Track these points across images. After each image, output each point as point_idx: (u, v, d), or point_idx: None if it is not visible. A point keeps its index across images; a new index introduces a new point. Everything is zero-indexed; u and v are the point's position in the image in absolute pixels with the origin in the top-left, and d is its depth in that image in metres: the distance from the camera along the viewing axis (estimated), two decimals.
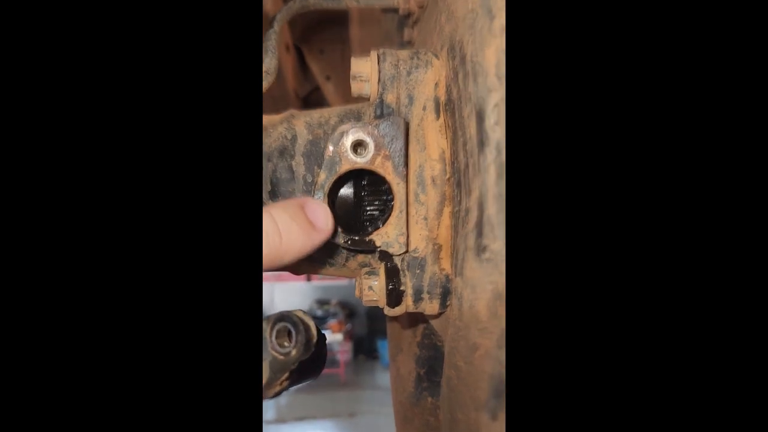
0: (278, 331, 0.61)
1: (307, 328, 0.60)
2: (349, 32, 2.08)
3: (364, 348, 7.55)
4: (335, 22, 2.36)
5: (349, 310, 7.66)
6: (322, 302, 7.85)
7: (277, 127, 0.85)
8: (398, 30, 1.25)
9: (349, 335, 7.44)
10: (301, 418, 5.71)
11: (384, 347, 7.01)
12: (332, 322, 7.42)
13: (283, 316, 0.61)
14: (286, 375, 0.61)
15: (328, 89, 2.51)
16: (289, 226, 0.62)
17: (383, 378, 6.81)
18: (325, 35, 2.50)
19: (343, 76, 2.45)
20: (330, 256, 0.86)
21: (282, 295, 7.43)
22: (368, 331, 7.46)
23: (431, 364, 1.22)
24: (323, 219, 0.67)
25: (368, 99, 0.83)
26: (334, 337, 7.23)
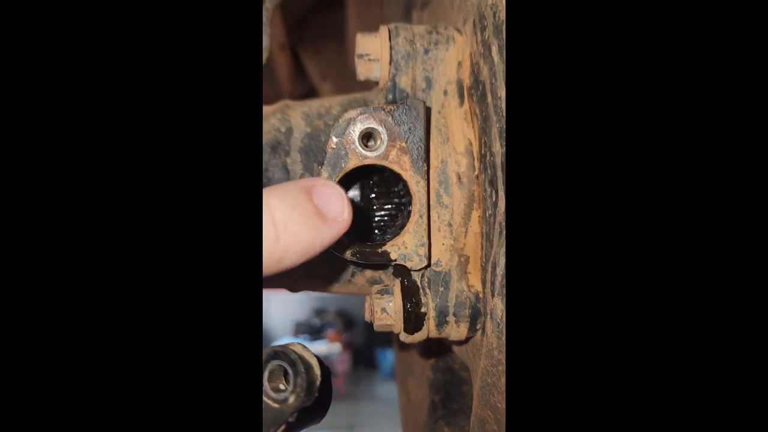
0: (272, 372, 0.48)
1: (308, 368, 0.46)
2: (347, 24, 1.95)
3: (363, 358, 7.39)
4: (333, 21, 2.24)
5: (348, 320, 7.52)
6: (319, 311, 7.71)
7: (269, 119, 0.71)
8: (404, 16, 1.12)
9: (347, 345, 7.29)
10: None
11: (383, 357, 6.84)
12: (330, 332, 7.27)
13: (278, 353, 0.47)
14: (282, 428, 0.47)
15: (325, 90, 2.38)
16: (289, 217, 0.47)
17: (383, 389, 6.65)
18: (321, 35, 2.37)
19: (340, 76, 2.33)
20: (332, 271, 0.72)
21: (279, 306, 7.24)
22: (367, 340, 7.30)
23: (447, 390, 1.08)
24: (337, 206, 0.51)
25: (377, 84, 0.70)
26: (331, 347, 7.07)
